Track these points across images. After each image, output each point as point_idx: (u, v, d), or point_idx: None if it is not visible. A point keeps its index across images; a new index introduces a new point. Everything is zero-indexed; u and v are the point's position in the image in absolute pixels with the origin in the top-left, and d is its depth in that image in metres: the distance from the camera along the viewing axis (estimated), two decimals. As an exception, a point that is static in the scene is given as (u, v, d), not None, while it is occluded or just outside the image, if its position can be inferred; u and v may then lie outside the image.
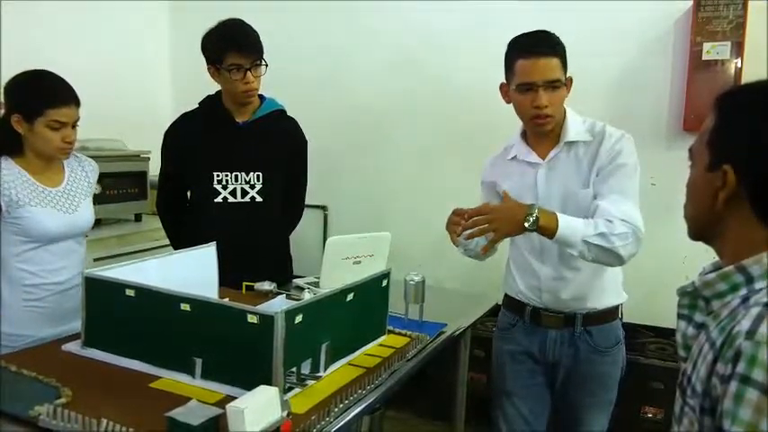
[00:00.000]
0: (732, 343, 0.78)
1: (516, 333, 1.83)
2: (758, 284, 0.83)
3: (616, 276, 1.78)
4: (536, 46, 1.63)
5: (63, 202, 1.83)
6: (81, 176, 1.93)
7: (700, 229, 0.95)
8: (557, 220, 1.51)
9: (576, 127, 1.71)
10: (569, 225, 1.52)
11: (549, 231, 1.52)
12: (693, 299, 0.92)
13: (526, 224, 1.50)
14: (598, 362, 1.76)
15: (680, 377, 0.91)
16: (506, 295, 1.89)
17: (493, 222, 1.50)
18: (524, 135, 1.79)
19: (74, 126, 1.79)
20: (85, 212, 1.89)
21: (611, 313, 1.77)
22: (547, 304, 1.76)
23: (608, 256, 1.56)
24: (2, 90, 1.78)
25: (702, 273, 0.94)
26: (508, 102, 1.74)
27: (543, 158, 1.74)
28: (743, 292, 0.84)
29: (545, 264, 1.74)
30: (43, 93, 1.74)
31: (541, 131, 1.71)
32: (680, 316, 0.95)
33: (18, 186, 1.74)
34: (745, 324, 0.77)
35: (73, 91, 1.78)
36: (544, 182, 1.73)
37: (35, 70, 1.77)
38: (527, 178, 1.75)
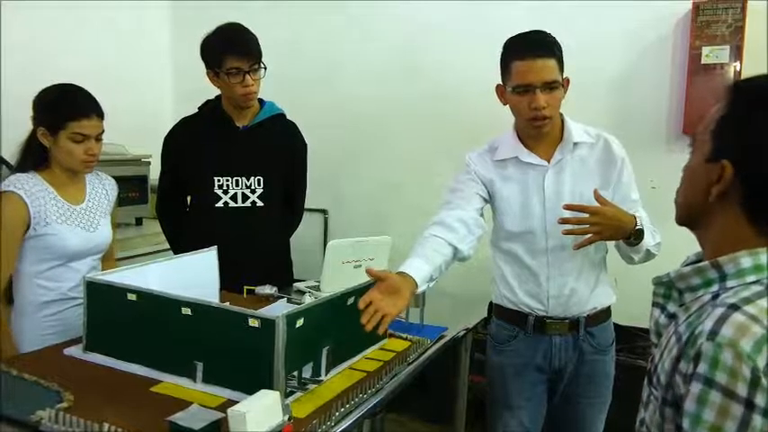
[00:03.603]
0: (695, 342, 0.79)
1: (517, 345, 1.79)
2: (730, 283, 0.83)
3: (607, 275, 1.81)
4: (532, 47, 1.62)
5: (85, 220, 1.84)
6: (101, 194, 1.94)
7: (687, 217, 0.95)
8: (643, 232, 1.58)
9: (577, 129, 1.73)
10: (646, 235, 1.59)
11: (640, 239, 1.57)
12: (668, 289, 0.93)
13: (640, 228, 1.56)
14: (600, 361, 1.77)
15: (649, 363, 0.93)
16: (501, 307, 1.82)
17: (600, 225, 1.52)
18: (519, 136, 1.76)
19: (97, 139, 1.80)
20: (105, 230, 1.91)
21: (607, 311, 1.80)
22: (552, 311, 1.73)
23: (647, 259, 1.66)
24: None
25: (685, 262, 0.95)
26: (505, 103, 1.72)
27: (546, 161, 1.72)
28: (715, 288, 0.85)
29: (552, 269, 1.71)
30: (66, 106, 1.76)
31: (539, 133, 1.70)
32: (654, 304, 0.95)
33: (45, 204, 1.76)
34: (707, 324, 0.78)
35: (96, 104, 1.79)
36: (553, 184, 1.71)
37: (61, 84, 1.80)
38: (533, 181, 1.72)
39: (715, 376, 0.76)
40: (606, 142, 1.72)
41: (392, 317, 1.39)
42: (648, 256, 1.65)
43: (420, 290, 1.51)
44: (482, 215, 1.77)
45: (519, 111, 1.67)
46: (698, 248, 0.96)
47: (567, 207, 1.55)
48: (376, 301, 1.36)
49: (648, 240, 1.59)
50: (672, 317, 0.91)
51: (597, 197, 1.54)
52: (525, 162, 1.73)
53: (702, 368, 0.77)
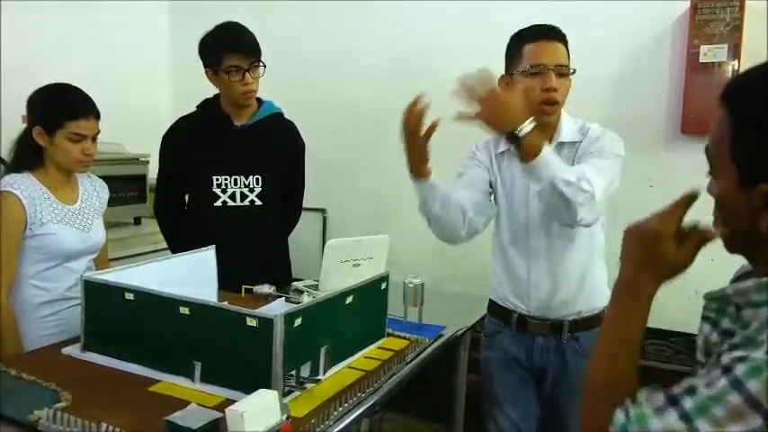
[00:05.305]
0: (747, 348, 0.72)
1: (503, 340, 1.81)
2: None
3: (602, 277, 1.74)
4: (546, 31, 1.64)
5: (79, 221, 1.85)
6: (93, 195, 1.95)
7: (738, 247, 0.86)
8: (541, 149, 1.43)
9: (568, 128, 1.70)
10: (548, 161, 1.43)
11: (528, 153, 1.43)
12: (723, 304, 0.84)
13: (517, 132, 1.42)
14: (586, 368, 1.72)
15: None
16: (492, 302, 1.86)
17: (485, 105, 1.43)
18: None
19: (94, 139, 1.81)
20: (98, 231, 1.91)
21: (598, 318, 1.72)
22: (534, 311, 1.73)
23: (565, 208, 1.47)
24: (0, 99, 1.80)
25: (738, 272, 0.89)
26: None
27: None
28: None
29: (533, 269, 1.70)
30: (64, 105, 1.76)
31: (544, 121, 1.63)
32: (705, 318, 0.87)
33: (41, 204, 1.76)
34: None
35: (93, 104, 1.80)
36: None
37: (57, 84, 1.80)
38: (521, 176, 1.69)
39: (748, 382, 0.69)
40: (585, 137, 1.67)
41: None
42: (560, 201, 1.45)
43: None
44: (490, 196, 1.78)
45: (528, 95, 1.60)
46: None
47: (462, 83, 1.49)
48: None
49: (556, 173, 1.43)
50: (725, 333, 0.83)
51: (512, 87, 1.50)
52: (516, 157, 1.71)
53: (740, 369, 0.70)
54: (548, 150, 1.46)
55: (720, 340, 0.83)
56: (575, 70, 1.65)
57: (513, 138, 1.44)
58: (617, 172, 1.60)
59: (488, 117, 1.45)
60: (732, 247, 0.87)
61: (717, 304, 0.85)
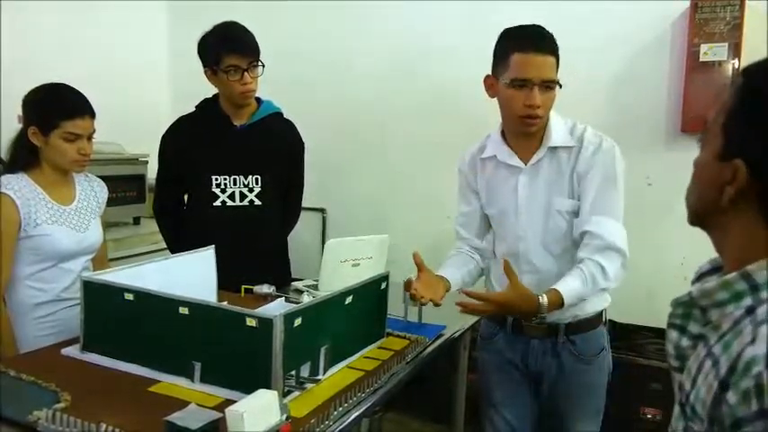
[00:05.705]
0: (747, 370, 0.67)
1: (498, 342, 1.79)
2: (764, 293, 0.73)
3: None
4: (536, 41, 1.56)
5: (75, 221, 1.84)
6: (90, 196, 1.94)
7: (699, 218, 0.85)
8: (561, 299, 1.52)
9: (558, 131, 1.64)
10: (571, 295, 1.53)
11: (557, 310, 1.55)
12: (688, 308, 0.82)
13: (543, 317, 1.55)
14: (583, 371, 1.70)
15: (678, 393, 0.83)
16: None
17: (489, 310, 1.55)
18: (503, 135, 1.71)
19: (89, 138, 1.80)
20: (95, 231, 1.90)
21: (596, 320, 1.71)
22: None
23: (603, 293, 1.67)
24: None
25: (698, 272, 0.88)
26: (492, 95, 1.65)
27: (525, 163, 1.66)
28: (747, 302, 0.74)
29: (524, 273, 1.66)
30: (59, 105, 1.75)
31: (526, 132, 1.63)
32: (671, 325, 0.85)
33: (35, 205, 1.75)
34: (759, 348, 0.67)
35: (88, 103, 1.79)
36: (526, 189, 1.66)
37: (52, 83, 1.79)
38: (508, 184, 1.68)
39: None
40: (581, 147, 1.62)
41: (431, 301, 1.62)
42: (596, 295, 1.63)
43: (454, 288, 1.72)
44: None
45: (511, 106, 1.59)
46: (694, 247, 0.93)
47: (462, 299, 1.56)
48: (418, 291, 1.61)
49: (584, 292, 1.55)
50: (696, 338, 0.81)
51: (506, 269, 1.55)
52: (502, 162, 1.69)
53: None
54: (567, 295, 1.53)
55: (693, 344, 0.82)
56: (561, 85, 1.60)
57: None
58: (623, 189, 1.64)
59: (494, 313, 1.59)
60: (694, 218, 0.86)
61: (682, 309, 0.83)
